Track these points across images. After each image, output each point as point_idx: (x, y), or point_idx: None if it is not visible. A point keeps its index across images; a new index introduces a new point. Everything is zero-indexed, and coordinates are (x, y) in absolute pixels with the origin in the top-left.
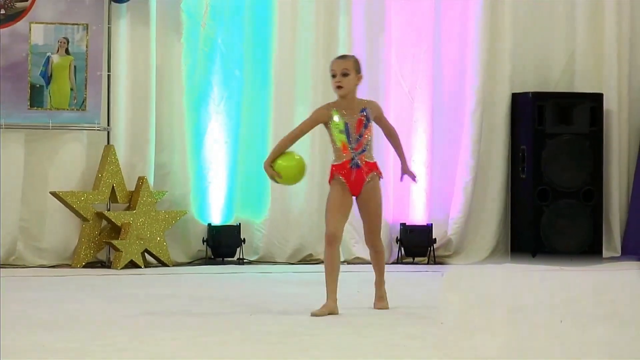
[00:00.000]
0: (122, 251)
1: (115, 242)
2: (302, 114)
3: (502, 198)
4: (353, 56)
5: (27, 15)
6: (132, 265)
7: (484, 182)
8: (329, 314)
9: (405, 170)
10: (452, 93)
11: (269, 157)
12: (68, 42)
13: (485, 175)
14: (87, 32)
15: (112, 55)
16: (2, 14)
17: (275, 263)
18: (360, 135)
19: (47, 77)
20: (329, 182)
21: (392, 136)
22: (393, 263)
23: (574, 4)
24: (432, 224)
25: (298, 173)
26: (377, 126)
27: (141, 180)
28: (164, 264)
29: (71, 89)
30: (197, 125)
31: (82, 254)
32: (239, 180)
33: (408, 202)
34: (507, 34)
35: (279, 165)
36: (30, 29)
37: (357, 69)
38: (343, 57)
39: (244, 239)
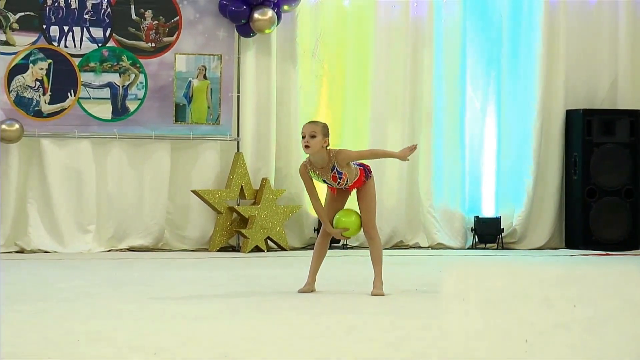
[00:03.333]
0: (249, 238)
1: (243, 230)
2: (394, 129)
3: (557, 195)
4: (323, 123)
5: (173, 48)
6: (256, 249)
7: (543, 182)
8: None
9: (402, 157)
10: (516, 109)
11: (325, 223)
12: (205, 69)
13: (544, 176)
14: (220, 61)
15: (241, 79)
16: (153, 47)
17: None
18: (338, 183)
19: (189, 98)
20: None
21: (372, 155)
22: (469, 248)
23: (617, 38)
24: (500, 217)
25: (358, 220)
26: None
27: (264, 181)
28: (282, 249)
29: (208, 107)
30: None
31: (216, 240)
32: None
33: (481, 198)
34: (561, 60)
35: (342, 222)
36: (175, 59)
37: (325, 133)
38: (313, 122)
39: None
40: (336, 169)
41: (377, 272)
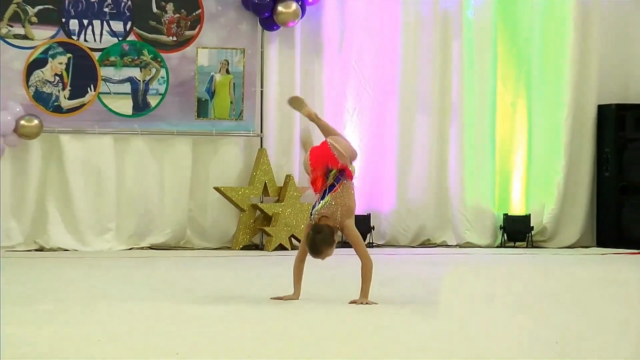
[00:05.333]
0: (272, 236)
1: (267, 228)
2: (422, 122)
3: (589, 192)
4: (324, 247)
5: (195, 42)
6: (280, 247)
7: (574, 179)
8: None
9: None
10: (547, 104)
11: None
12: (228, 63)
13: (575, 173)
14: (243, 55)
15: (264, 74)
16: (174, 40)
17: (399, 246)
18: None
19: (211, 93)
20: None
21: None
22: (497, 247)
23: None
24: (530, 214)
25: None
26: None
27: (288, 178)
28: None
29: (231, 102)
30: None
31: (239, 238)
32: (369, 179)
33: (510, 195)
34: (593, 54)
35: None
36: (197, 53)
37: (330, 247)
38: (316, 254)
39: (373, 226)
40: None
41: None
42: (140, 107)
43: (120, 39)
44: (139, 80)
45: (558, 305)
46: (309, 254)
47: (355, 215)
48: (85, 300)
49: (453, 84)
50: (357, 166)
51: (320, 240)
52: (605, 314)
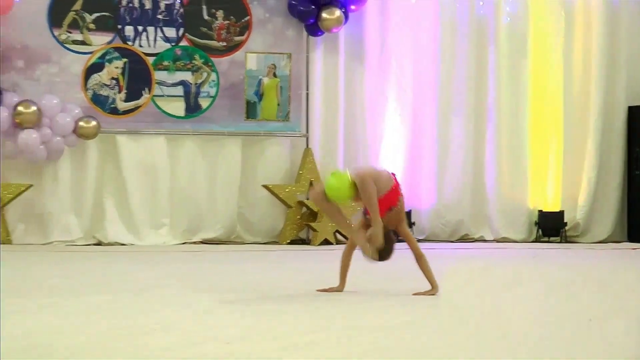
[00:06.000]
0: (318, 231)
1: (313, 224)
2: (460, 123)
3: (619, 190)
4: None
5: (243, 47)
6: (326, 242)
7: (605, 177)
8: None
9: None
10: (578, 106)
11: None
12: (275, 67)
13: (606, 171)
14: (290, 60)
15: (310, 77)
16: (224, 45)
17: (438, 241)
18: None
19: (259, 95)
20: None
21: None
22: (532, 242)
23: None
24: (563, 210)
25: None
26: None
27: None
28: None
29: (278, 104)
30: (375, 133)
31: (287, 233)
32: (409, 177)
33: (545, 192)
34: (622, 55)
35: (337, 191)
36: (245, 58)
37: None
38: None
39: (414, 222)
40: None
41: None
42: (192, 109)
43: (173, 44)
44: (191, 84)
45: (587, 290)
46: (371, 256)
47: None
48: (141, 292)
49: (489, 87)
50: (395, 166)
51: (390, 250)
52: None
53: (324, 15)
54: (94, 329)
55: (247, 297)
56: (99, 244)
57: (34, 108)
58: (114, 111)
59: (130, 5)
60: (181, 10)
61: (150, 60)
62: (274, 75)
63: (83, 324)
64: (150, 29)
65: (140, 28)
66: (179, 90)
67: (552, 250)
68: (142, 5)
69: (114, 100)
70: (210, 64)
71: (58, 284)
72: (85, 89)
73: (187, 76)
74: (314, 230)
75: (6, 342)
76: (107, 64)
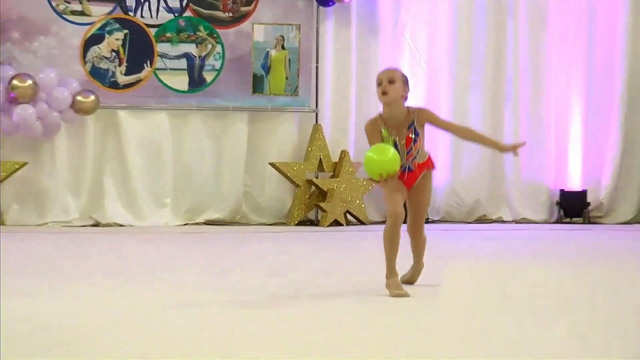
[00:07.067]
0: (327, 212)
1: (322, 204)
2: (476, 97)
3: None
4: (400, 70)
5: (251, 18)
6: (336, 223)
7: (629, 155)
8: (396, 289)
9: (503, 150)
10: (602, 80)
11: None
12: (284, 39)
13: (630, 149)
14: (299, 31)
15: (320, 50)
16: (230, 16)
17: (454, 222)
18: (410, 149)
19: (267, 68)
20: None
21: (462, 132)
22: (554, 222)
23: None
24: (586, 190)
25: (396, 155)
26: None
27: (343, 153)
28: (362, 223)
29: (286, 78)
30: None
31: (295, 213)
32: None
33: (567, 171)
34: None
35: (381, 164)
36: (252, 29)
37: (404, 81)
38: (392, 68)
39: None
40: (414, 127)
41: (420, 263)
42: (197, 82)
43: (176, 14)
44: (195, 56)
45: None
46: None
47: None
48: (144, 274)
49: (508, 61)
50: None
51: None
52: None
53: None
54: (101, 313)
55: (250, 278)
56: (97, 224)
57: (29, 82)
58: (114, 85)
59: None
60: None
61: (152, 31)
62: (283, 47)
63: (90, 307)
64: None
65: None
66: (183, 64)
67: (573, 232)
68: None
69: (114, 74)
70: (215, 35)
71: (63, 265)
72: (84, 62)
73: (191, 48)
74: (324, 210)
75: (12, 325)
76: (107, 35)
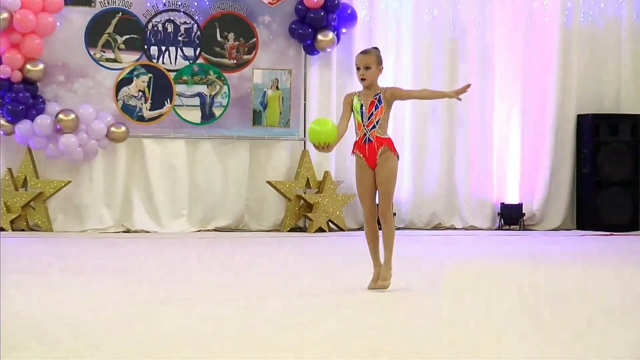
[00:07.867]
0: (313, 220)
1: (309, 214)
2: (434, 129)
3: (570, 186)
4: (375, 50)
5: (251, 64)
6: (320, 230)
7: (558, 175)
8: (379, 281)
9: (453, 95)
10: (536, 114)
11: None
12: (278, 81)
13: (559, 170)
14: (290, 75)
15: (307, 90)
16: (234, 63)
17: (415, 229)
18: (371, 114)
19: (264, 105)
20: (352, 153)
21: (422, 94)
22: (496, 229)
23: (620, 54)
24: (522, 203)
25: (334, 128)
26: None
27: (326, 174)
28: (341, 229)
29: (280, 113)
30: None
31: (287, 222)
32: None
33: (506, 188)
34: (573, 73)
35: (319, 134)
36: (252, 73)
37: (378, 62)
38: (365, 52)
39: (395, 212)
40: (379, 96)
41: (387, 258)
42: (207, 116)
43: (191, 61)
44: (206, 95)
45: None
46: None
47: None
48: (162, 272)
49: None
50: None
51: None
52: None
53: (319, 37)
54: (126, 304)
55: (253, 275)
56: (127, 231)
57: (72, 116)
58: (141, 118)
59: (155, 28)
60: (198, 32)
61: (171, 75)
62: (277, 88)
63: (115, 300)
64: (172, 48)
65: (163, 48)
66: (196, 101)
67: (512, 237)
68: (165, 28)
69: (140, 109)
70: (222, 78)
71: (102, 264)
72: (116, 99)
73: (203, 89)
74: (310, 219)
75: (44, 313)
76: (135, 78)
